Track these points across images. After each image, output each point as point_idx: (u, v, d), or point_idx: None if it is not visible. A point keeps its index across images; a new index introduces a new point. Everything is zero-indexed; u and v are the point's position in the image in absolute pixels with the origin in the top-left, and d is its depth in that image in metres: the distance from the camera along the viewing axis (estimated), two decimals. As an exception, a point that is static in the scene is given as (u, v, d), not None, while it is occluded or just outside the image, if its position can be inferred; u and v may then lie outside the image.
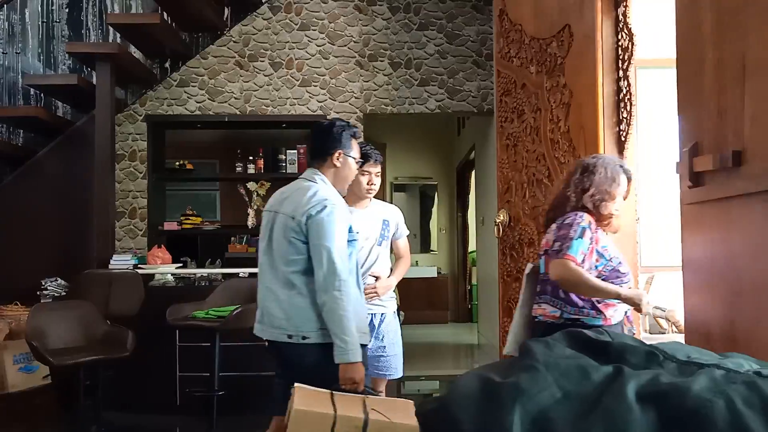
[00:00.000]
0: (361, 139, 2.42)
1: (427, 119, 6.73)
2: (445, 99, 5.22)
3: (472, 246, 8.46)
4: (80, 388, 3.43)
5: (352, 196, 2.83)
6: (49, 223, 4.76)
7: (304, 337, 2.12)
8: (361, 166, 2.73)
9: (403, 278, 2.98)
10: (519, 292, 3.14)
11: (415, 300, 7.91)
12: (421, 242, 8.78)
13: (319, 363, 2.09)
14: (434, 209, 8.89)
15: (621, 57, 2.62)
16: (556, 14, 2.99)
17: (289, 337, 2.15)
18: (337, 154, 2.29)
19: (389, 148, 8.31)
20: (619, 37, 2.63)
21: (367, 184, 2.81)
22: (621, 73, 2.63)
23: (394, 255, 3.01)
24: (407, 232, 3.02)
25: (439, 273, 8.47)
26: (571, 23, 2.85)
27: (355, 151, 2.36)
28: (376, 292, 2.78)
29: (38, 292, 4.33)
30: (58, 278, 4.40)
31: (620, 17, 2.63)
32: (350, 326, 2.06)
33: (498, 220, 3.49)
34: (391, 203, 3.04)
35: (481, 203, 6.90)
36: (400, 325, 3.00)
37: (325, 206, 2.14)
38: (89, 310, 3.56)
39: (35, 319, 3.34)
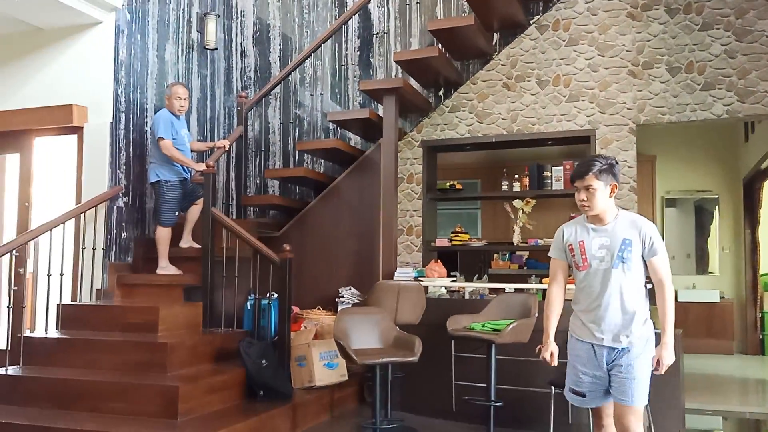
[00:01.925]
0: None
1: (704, 126, 6.06)
2: (735, 102, 4.66)
3: (764, 268, 7.32)
4: (375, 386, 3.78)
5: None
6: (345, 239, 5.42)
7: None
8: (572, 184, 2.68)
9: (678, 301, 2.63)
10: None
11: (693, 326, 7.12)
12: (697, 263, 7.89)
13: None
14: (713, 226, 7.92)
15: None
16: None
17: None
18: None
19: (659, 160, 7.71)
20: None
21: (578, 201, 2.67)
22: None
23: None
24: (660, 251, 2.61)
25: (721, 297, 7.50)
26: None
27: None
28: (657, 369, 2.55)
29: (336, 299, 4.99)
30: (352, 287, 5.02)
31: None
32: None
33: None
34: (657, 219, 2.73)
35: (779, 219, 5.95)
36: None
37: None
38: (383, 317, 3.95)
39: (341, 321, 3.81)
